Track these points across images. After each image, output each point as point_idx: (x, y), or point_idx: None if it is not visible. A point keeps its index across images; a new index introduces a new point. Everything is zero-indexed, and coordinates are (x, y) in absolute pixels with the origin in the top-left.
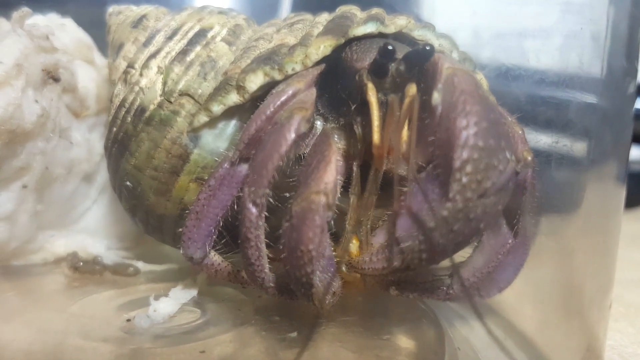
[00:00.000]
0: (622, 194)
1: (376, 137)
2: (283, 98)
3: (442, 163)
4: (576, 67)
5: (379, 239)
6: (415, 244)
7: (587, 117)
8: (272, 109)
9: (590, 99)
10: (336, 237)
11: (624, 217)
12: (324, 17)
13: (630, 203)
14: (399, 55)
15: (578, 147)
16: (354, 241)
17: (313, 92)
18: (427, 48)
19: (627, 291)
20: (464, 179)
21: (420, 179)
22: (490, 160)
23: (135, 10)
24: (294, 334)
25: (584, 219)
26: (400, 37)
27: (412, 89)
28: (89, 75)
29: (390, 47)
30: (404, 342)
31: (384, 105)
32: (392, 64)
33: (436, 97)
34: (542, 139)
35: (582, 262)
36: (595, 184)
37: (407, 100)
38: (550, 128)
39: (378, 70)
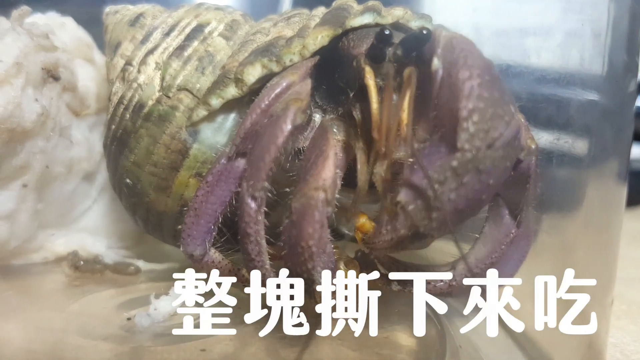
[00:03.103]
0: (623, 192)
1: (375, 120)
2: (277, 90)
3: (447, 120)
4: (577, 65)
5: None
6: (422, 203)
7: (588, 115)
8: (266, 102)
9: (592, 96)
10: (337, 233)
11: (626, 215)
12: (321, 11)
13: (632, 201)
14: (396, 40)
15: (579, 145)
16: (365, 218)
17: (308, 83)
18: (424, 32)
19: (629, 289)
20: (472, 128)
21: (420, 153)
22: (496, 110)
23: (132, 9)
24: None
25: (585, 216)
26: (398, 28)
27: (409, 71)
28: (89, 73)
29: (387, 32)
30: (405, 340)
31: (382, 90)
32: (389, 49)
33: (436, 62)
34: (543, 137)
35: (584, 259)
36: (596, 182)
37: (404, 84)
38: (551, 125)
39: (375, 55)
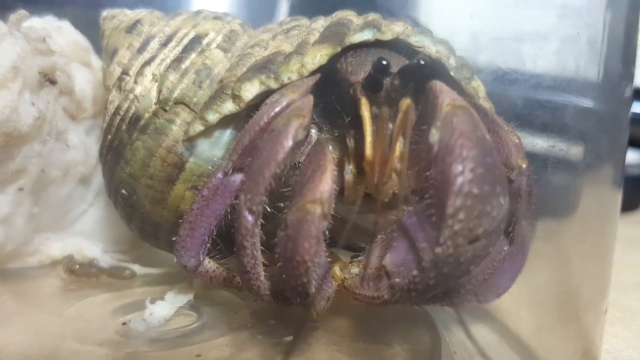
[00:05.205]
0: (618, 197)
1: (368, 152)
2: (277, 109)
3: (436, 205)
4: (573, 71)
5: (374, 260)
6: (405, 282)
7: (583, 121)
8: (265, 120)
9: (587, 103)
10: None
11: (621, 221)
12: (320, 24)
13: (627, 207)
14: (394, 69)
15: (574, 151)
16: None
17: (310, 99)
18: (422, 62)
19: (623, 295)
20: (456, 226)
21: (412, 199)
22: (484, 207)
23: (130, 15)
24: (290, 338)
25: (580, 223)
26: (397, 42)
27: (405, 103)
28: (85, 77)
29: (384, 62)
30: (400, 346)
31: (377, 120)
32: (387, 79)
33: (434, 134)
34: (539, 143)
35: (579, 266)
36: (591, 188)
37: (400, 116)
38: (547, 132)
39: (372, 85)
